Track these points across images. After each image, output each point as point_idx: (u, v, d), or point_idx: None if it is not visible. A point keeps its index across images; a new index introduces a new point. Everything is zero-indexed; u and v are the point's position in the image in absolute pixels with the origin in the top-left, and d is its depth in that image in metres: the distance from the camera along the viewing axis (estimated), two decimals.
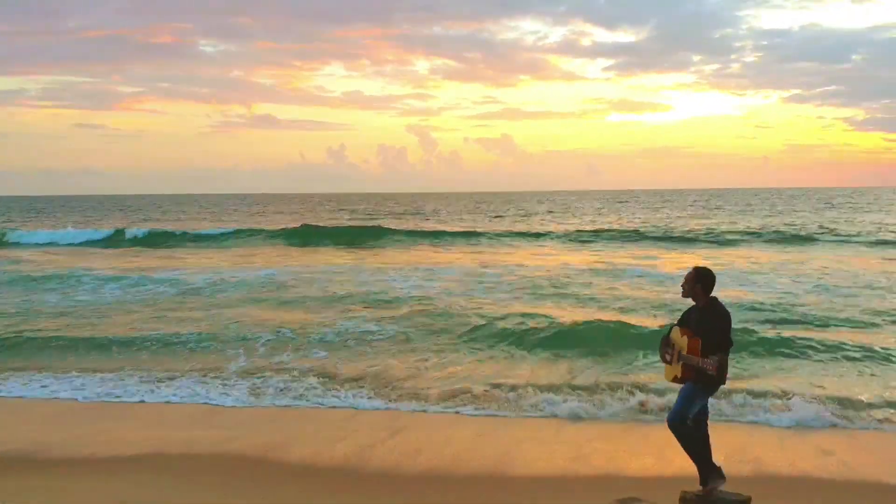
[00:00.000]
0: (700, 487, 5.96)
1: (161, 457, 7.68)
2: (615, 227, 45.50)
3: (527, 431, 8.54)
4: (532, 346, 12.25)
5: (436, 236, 39.92)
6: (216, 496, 6.49)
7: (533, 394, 9.71)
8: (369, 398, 9.77)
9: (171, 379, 10.77)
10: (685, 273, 6.11)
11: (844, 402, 9.11)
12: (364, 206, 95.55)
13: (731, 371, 10.22)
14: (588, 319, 14.29)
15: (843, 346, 11.76)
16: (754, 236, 36.50)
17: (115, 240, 40.10)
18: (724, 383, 5.98)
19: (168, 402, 9.77)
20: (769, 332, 12.88)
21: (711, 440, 6.08)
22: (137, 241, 39.20)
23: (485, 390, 9.92)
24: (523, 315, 14.84)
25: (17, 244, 38.71)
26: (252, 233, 42.28)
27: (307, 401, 9.72)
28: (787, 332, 12.95)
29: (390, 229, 43.95)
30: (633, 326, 13.27)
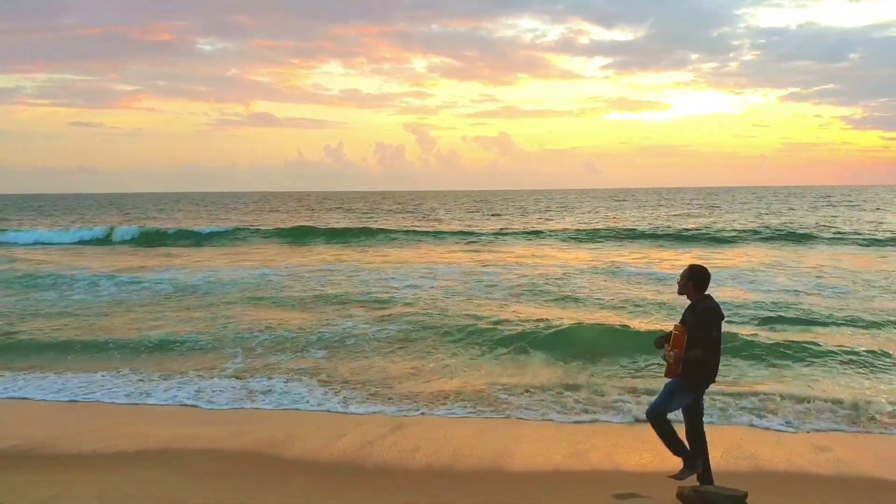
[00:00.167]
0: (697, 483, 5.99)
1: (162, 453, 7.73)
2: (613, 225, 45.47)
3: (525, 429, 8.58)
4: (531, 347, 12.25)
5: (434, 235, 39.92)
6: (218, 491, 6.52)
7: (531, 395, 9.73)
8: (368, 398, 9.77)
9: (169, 378, 10.79)
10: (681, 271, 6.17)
11: (842, 404, 9.13)
12: (361, 205, 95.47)
13: (731, 372, 10.33)
14: (587, 320, 14.33)
15: (841, 347, 11.79)
16: (752, 234, 36.54)
17: (110, 238, 40.06)
18: (710, 382, 6.02)
19: (167, 401, 9.78)
20: (766, 333, 12.92)
21: (708, 438, 6.11)
22: (132, 240, 39.20)
23: (483, 391, 9.94)
24: (522, 315, 14.86)
25: (13, 243, 38.56)
26: (249, 232, 42.24)
27: (306, 401, 9.71)
28: (784, 333, 13.03)
29: (388, 229, 43.94)
30: (631, 327, 13.29)
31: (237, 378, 10.78)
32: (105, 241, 39.51)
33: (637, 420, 8.66)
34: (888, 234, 35.15)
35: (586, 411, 9.05)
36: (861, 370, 10.67)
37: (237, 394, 10.00)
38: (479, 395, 9.73)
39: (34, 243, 38.60)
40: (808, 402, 9.18)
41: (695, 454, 6.05)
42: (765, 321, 14.05)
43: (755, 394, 9.54)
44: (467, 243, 35.75)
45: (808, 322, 14.00)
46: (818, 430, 8.27)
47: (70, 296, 18.62)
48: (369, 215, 65.37)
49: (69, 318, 15.54)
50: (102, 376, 10.88)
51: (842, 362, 11.00)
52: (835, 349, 11.62)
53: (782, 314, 14.62)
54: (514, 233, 41.04)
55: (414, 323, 14.14)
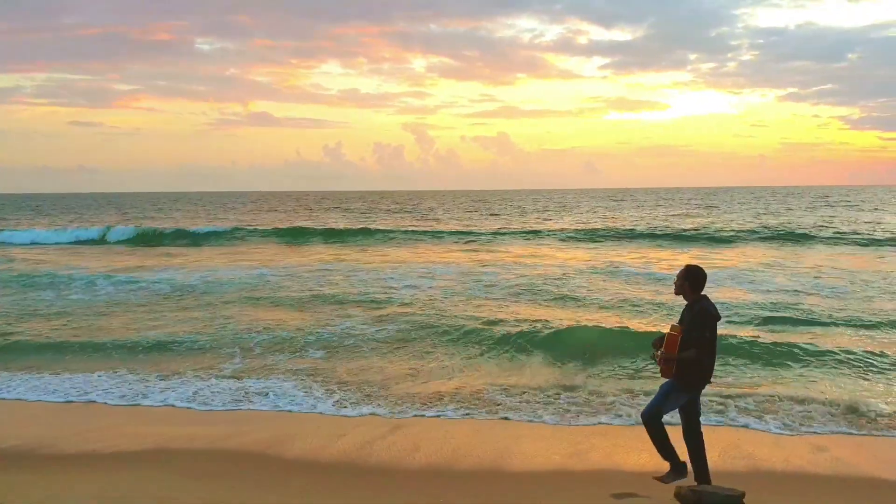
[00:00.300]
0: (695, 483, 6.00)
1: (162, 452, 7.73)
2: (612, 225, 45.47)
3: (524, 429, 8.59)
4: (529, 347, 12.22)
5: (432, 235, 39.90)
6: (217, 491, 6.51)
7: (529, 396, 9.72)
8: (366, 398, 9.76)
9: (167, 378, 10.78)
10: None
11: (840, 406, 9.11)
12: (360, 205, 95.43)
13: (729, 374, 10.31)
14: (585, 320, 14.34)
15: (840, 348, 11.79)
16: (750, 235, 36.55)
17: (107, 238, 39.98)
18: (706, 382, 6.02)
19: (166, 401, 9.76)
20: (765, 334, 12.91)
21: (705, 438, 6.10)
22: (130, 240, 39.15)
23: (481, 392, 9.93)
24: (520, 316, 14.86)
25: (10, 243, 38.49)
26: (247, 231, 42.20)
27: (304, 402, 9.68)
28: (783, 333, 13.01)
29: (386, 229, 43.92)
30: (630, 327, 13.29)
31: (235, 378, 10.77)
32: (103, 240, 39.45)
33: (638, 423, 8.63)
34: (886, 235, 35.18)
35: (584, 413, 9.04)
36: (860, 371, 10.66)
37: (235, 395, 9.98)
38: (477, 397, 9.71)
39: (31, 243, 38.52)
40: (807, 403, 9.17)
41: (683, 463, 6.05)
42: (763, 322, 14.04)
43: (753, 395, 9.55)
44: (466, 243, 35.73)
45: (807, 322, 14.00)
46: (817, 433, 8.24)
47: (67, 296, 18.59)
48: (368, 215, 65.35)
49: (66, 318, 15.51)
50: (99, 377, 10.87)
51: (840, 363, 10.99)
52: (833, 350, 11.62)
53: (781, 314, 14.62)
54: (513, 232, 41.02)
55: (412, 323, 14.11)
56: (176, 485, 6.65)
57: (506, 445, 7.93)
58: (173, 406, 9.57)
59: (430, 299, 17.12)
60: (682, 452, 6.23)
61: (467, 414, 9.04)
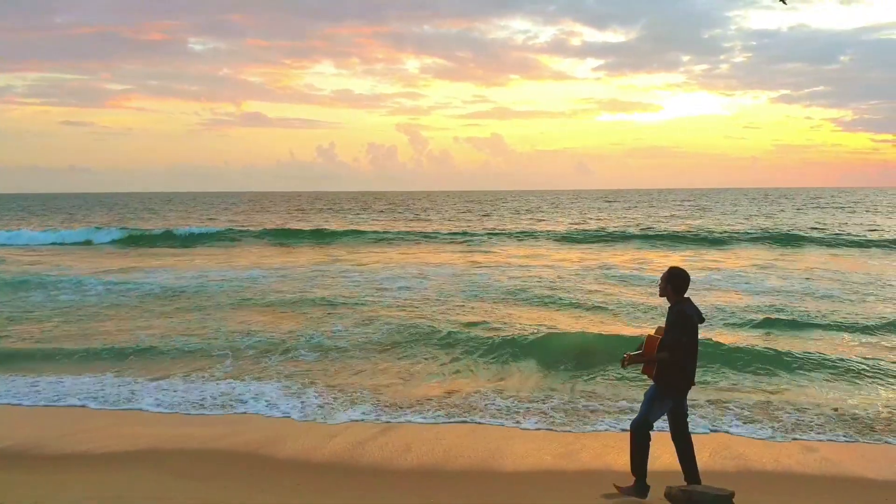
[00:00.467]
0: (684, 483, 6.03)
1: (155, 453, 7.74)
2: (605, 226, 45.56)
3: (515, 430, 8.59)
4: (521, 351, 12.07)
5: (425, 236, 39.87)
6: (211, 490, 6.51)
7: (520, 400, 9.68)
8: (358, 400, 9.72)
9: (158, 380, 10.72)
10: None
11: (836, 410, 9.09)
12: (353, 206, 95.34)
13: (721, 379, 10.29)
14: (578, 323, 14.36)
15: (832, 352, 11.83)
16: (743, 236, 36.67)
17: (98, 239, 39.76)
18: (688, 386, 6.03)
19: (157, 403, 9.71)
20: (756, 337, 12.92)
21: (696, 441, 6.09)
22: (122, 241, 38.96)
23: (472, 395, 9.89)
24: (513, 318, 14.86)
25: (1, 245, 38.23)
26: (239, 232, 42.06)
27: (296, 404, 9.63)
28: (774, 337, 13.01)
29: (379, 230, 43.89)
30: (623, 330, 13.27)
31: (227, 380, 10.72)
32: (93, 242, 39.21)
33: (626, 423, 8.62)
34: (879, 237, 35.35)
35: (575, 418, 8.96)
36: (851, 376, 10.62)
37: (227, 396, 9.94)
38: (468, 401, 9.66)
39: (21, 244, 38.22)
40: (799, 408, 9.14)
41: (647, 486, 6.06)
42: (756, 325, 14.01)
43: (745, 400, 9.54)
44: (459, 244, 35.76)
45: (799, 326, 13.97)
46: (809, 440, 8.22)
47: (56, 297, 18.47)
48: (361, 216, 65.28)
49: (56, 320, 15.40)
50: (90, 379, 10.79)
51: (832, 368, 10.96)
52: (825, 354, 11.64)
53: (773, 317, 14.60)
54: (506, 234, 41.05)
55: (404, 326, 14.04)
56: (169, 485, 6.64)
57: (497, 446, 7.96)
58: (164, 408, 9.52)
59: (423, 301, 17.09)
60: (672, 455, 6.23)
61: (454, 421, 8.91)
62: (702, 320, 6.01)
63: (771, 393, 9.93)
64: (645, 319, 14.80)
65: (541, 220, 55.21)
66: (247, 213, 74.92)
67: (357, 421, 8.92)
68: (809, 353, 11.67)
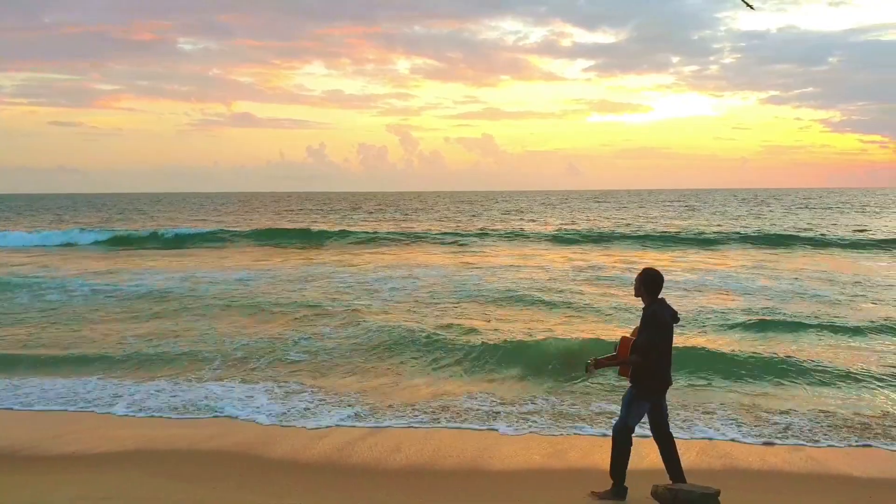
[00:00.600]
0: (670, 482, 6.05)
1: (145, 453, 7.76)
2: (595, 227, 45.67)
3: (504, 431, 8.57)
4: (510, 354, 11.86)
5: (416, 237, 39.82)
6: (200, 491, 6.51)
7: (509, 404, 9.60)
8: (346, 403, 9.65)
9: (146, 383, 10.65)
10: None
11: (826, 414, 9.05)
12: (343, 206, 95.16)
13: (708, 383, 10.24)
14: (568, 325, 14.37)
15: (821, 355, 11.79)
16: (732, 237, 36.81)
17: (86, 240, 39.45)
18: (663, 386, 6.03)
19: (145, 406, 9.65)
20: (744, 340, 12.90)
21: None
22: (110, 242, 38.67)
23: (459, 398, 9.81)
24: (503, 321, 14.87)
25: None
26: (229, 234, 41.84)
27: (285, 406, 9.58)
28: (763, 339, 12.95)
29: (369, 231, 43.80)
30: (611, 334, 13.21)
31: (215, 382, 10.67)
32: (81, 243, 38.89)
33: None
34: (868, 237, 35.56)
35: (562, 421, 8.88)
36: (839, 378, 10.53)
37: (215, 399, 9.87)
38: (456, 402, 9.60)
39: (6, 245, 37.83)
40: (787, 412, 9.10)
41: (625, 487, 6.07)
42: (744, 327, 13.93)
43: (732, 404, 9.50)
44: (449, 244, 35.75)
45: (788, 327, 13.84)
46: (795, 441, 8.21)
47: (43, 298, 18.30)
48: (351, 217, 65.14)
49: (42, 323, 15.27)
50: (77, 382, 10.70)
51: (820, 370, 10.84)
52: (813, 356, 11.64)
53: (762, 318, 14.56)
54: (497, 234, 41.04)
55: (393, 328, 13.92)
56: (158, 485, 6.63)
57: (486, 445, 8.00)
58: (152, 410, 9.47)
59: (413, 304, 17.03)
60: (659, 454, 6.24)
61: (450, 424, 8.82)
62: (676, 320, 6.00)
63: (758, 395, 9.92)
64: (634, 321, 14.74)
65: (531, 221, 55.28)
66: (236, 213, 74.62)
67: (345, 422, 8.91)
68: (797, 355, 11.69)
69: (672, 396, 9.73)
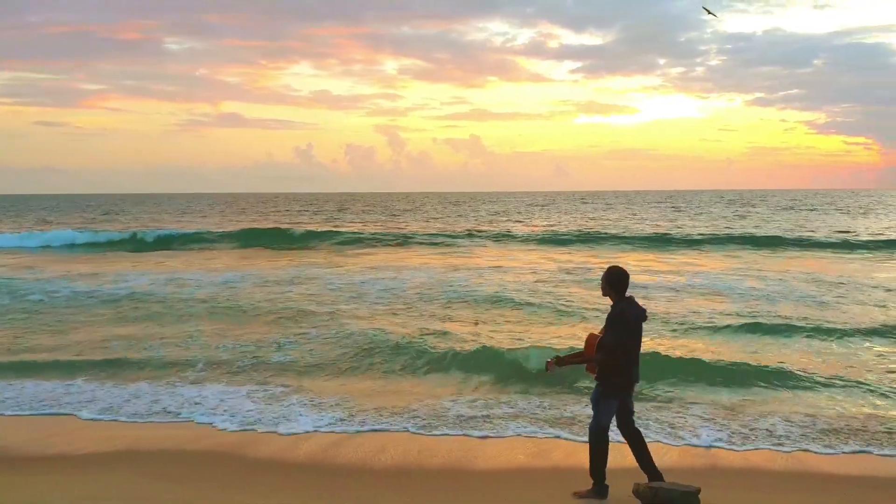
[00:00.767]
0: (648, 482, 6.09)
1: (130, 454, 7.77)
2: (582, 228, 45.82)
3: (488, 433, 8.59)
4: (498, 358, 11.72)
5: (403, 238, 39.74)
6: (187, 492, 6.51)
7: (496, 406, 9.58)
8: (331, 405, 9.60)
9: (130, 385, 10.59)
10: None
11: (814, 418, 9.04)
12: (330, 207, 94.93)
13: (691, 386, 10.22)
14: (556, 327, 14.37)
15: (805, 359, 11.82)
16: (717, 238, 37.02)
17: (71, 241, 39.09)
18: (629, 384, 6.07)
19: (130, 408, 9.59)
20: (731, 343, 12.90)
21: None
22: (94, 244, 38.33)
23: (442, 400, 9.79)
24: (491, 324, 14.90)
25: None
26: (215, 235, 41.59)
27: (269, 408, 9.53)
28: (749, 342, 12.95)
29: (356, 231, 43.72)
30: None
31: (199, 385, 10.63)
32: (66, 244, 38.51)
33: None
34: (853, 238, 35.86)
35: (546, 424, 8.85)
36: (825, 382, 10.48)
37: (200, 401, 9.83)
38: (440, 405, 9.55)
39: None
40: (771, 414, 9.11)
41: (606, 486, 6.12)
42: (730, 329, 13.90)
43: (713, 405, 9.51)
44: (437, 245, 35.72)
45: (774, 330, 13.76)
46: (779, 442, 8.24)
47: (26, 299, 18.09)
48: (338, 218, 64.97)
49: (24, 326, 15.07)
50: (59, 385, 10.59)
51: (805, 374, 10.78)
52: (799, 359, 11.67)
53: (747, 321, 14.56)
54: (484, 236, 41.06)
55: (379, 331, 13.81)
56: (145, 486, 6.62)
57: (471, 446, 8.08)
58: (137, 413, 9.42)
59: (399, 307, 16.94)
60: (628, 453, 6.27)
61: (425, 432, 8.70)
62: (644, 319, 6.04)
63: (742, 397, 9.93)
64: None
65: (518, 222, 55.37)
66: (223, 214, 74.24)
67: (330, 425, 8.89)
68: (783, 357, 11.72)
69: (656, 398, 9.78)
